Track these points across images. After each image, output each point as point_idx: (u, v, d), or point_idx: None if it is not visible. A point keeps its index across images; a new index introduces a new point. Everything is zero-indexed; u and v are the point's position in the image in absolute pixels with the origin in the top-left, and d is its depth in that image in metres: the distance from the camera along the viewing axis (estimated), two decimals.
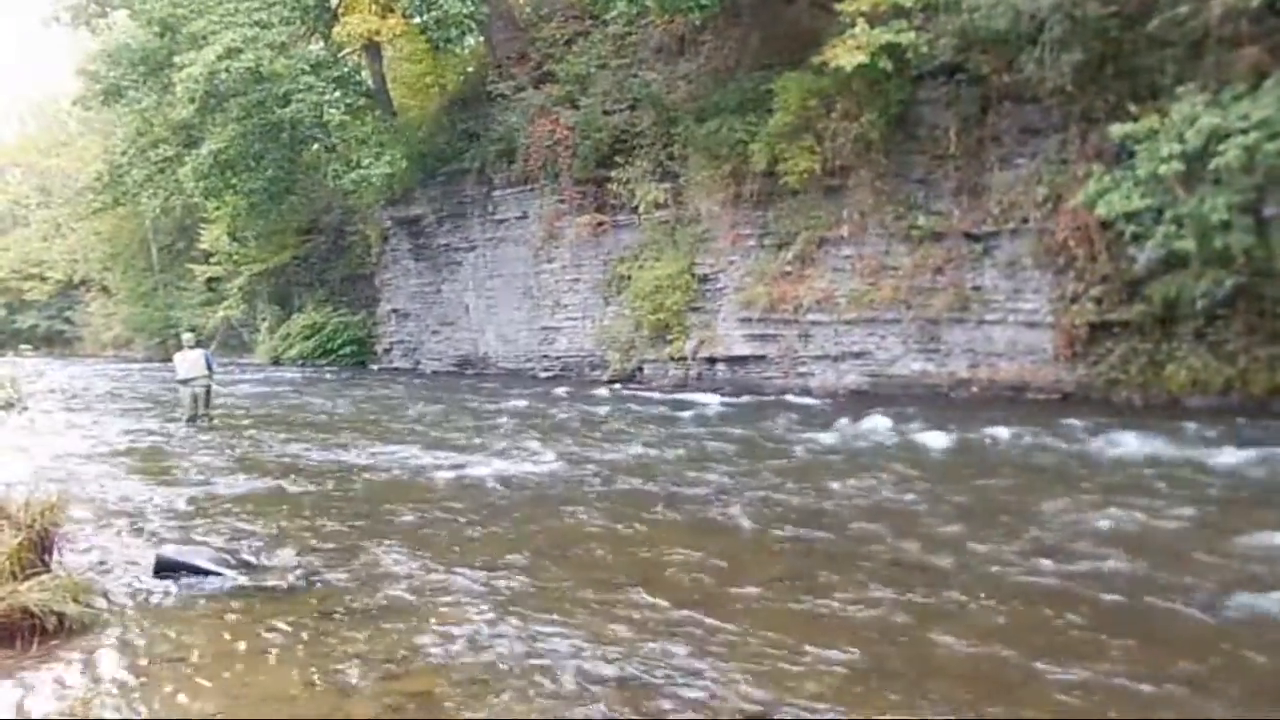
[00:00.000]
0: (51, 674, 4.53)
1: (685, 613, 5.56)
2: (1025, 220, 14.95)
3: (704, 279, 19.62)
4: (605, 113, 21.90)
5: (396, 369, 30.32)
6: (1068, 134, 14.53)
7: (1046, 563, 6.36)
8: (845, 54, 15.01)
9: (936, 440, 11.49)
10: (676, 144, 20.23)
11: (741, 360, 18.80)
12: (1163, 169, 11.55)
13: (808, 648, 4.90)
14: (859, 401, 15.66)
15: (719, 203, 19.25)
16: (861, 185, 16.87)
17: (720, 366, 19.17)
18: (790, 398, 16.69)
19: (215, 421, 15.86)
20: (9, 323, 57.03)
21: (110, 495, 9.58)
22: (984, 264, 15.63)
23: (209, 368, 16.01)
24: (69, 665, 4.65)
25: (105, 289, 51.43)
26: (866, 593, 5.88)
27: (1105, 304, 13.93)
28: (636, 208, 21.17)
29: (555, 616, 5.57)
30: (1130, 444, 10.48)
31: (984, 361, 15.62)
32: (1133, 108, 12.56)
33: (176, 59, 26.07)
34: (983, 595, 5.71)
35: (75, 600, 5.14)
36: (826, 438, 12.29)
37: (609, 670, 4.73)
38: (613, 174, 21.57)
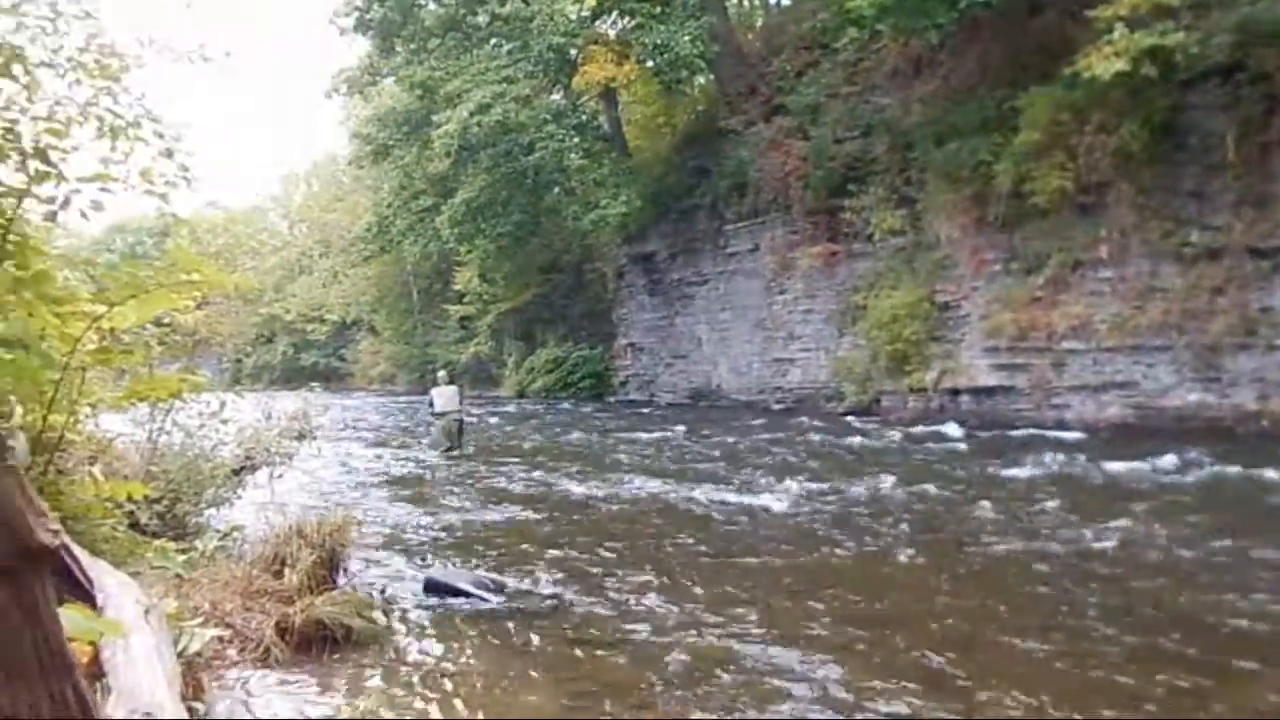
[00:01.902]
0: (342, 681, 4.94)
1: (938, 660, 5.26)
2: None
3: (945, 307, 18.80)
4: (837, 141, 21.65)
5: (632, 401, 31.14)
6: None
7: None
8: (1101, 62, 13.98)
9: (1226, 479, 10.28)
10: (913, 168, 19.64)
11: (988, 391, 17.80)
12: None
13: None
14: (1123, 435, 14.36)
15: (960, 227, 18.43)
16: (1121, 201, 15.58)
17: (964, 398, 18.24)
18: (1043, 431, 15.56)
19: (470, 451, 16.89)
20: (295, 360, 63.93)
21: (381, 519, 10.41)
22: (1274, 282, 13.95)
23: (462, 402, 16.93)
24: (356, 674, 5.06)
25: (373, 329, 56.68)
26: (1141, 656, 5.30)
27: None
28: (871, 235, 20.70)
29: (801, 655, 5.43)
30: None
31: (1277, 393, 13.87)
32: None
33: (434, 118, 28.50)
34: None
35: (360, 615, 5.59)
36: (1088, 474, 11.33)
37: (862, 714, 4.55)
38: (846, 202, 21.24)
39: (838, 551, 8.14)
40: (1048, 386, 16.72)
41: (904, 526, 9.09)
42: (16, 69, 4.57)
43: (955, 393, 18.42)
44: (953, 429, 16.38)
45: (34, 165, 4.35)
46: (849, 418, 19.86)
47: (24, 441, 4.75)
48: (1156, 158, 15.20)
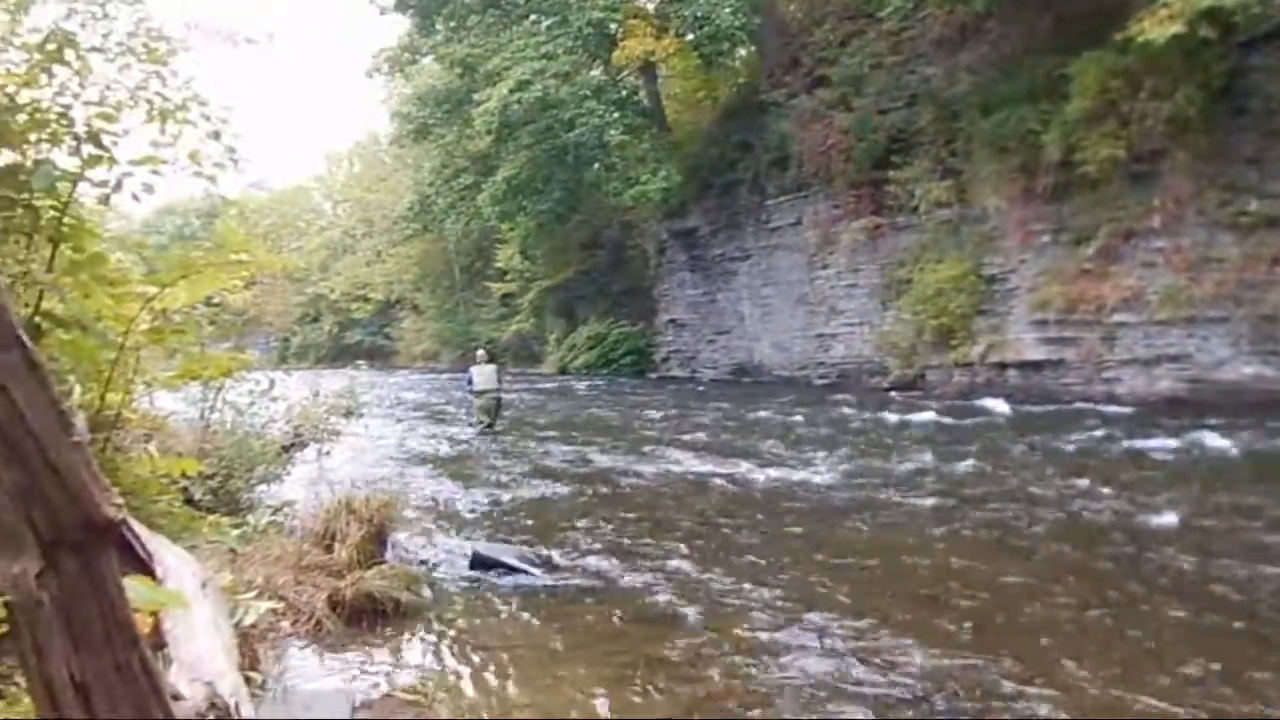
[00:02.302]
0: (392, 653, 5.04)
1: (980, 634, 5.22)
2: None
3: (991, 280, 18.50)
4: (881, 112, 21.32)
5: (674, 377, 31.14)
6: None
7: None
8: (1156, 26, 13.59)
9: None
10: (959, 139, 19.28)
11: (1035, 365, 17.52)
12: None
13: (1114, 690, 4.42)
14: (1176, 409, 14.06)
15: (1007, 198, 18.09)
16: (1176, 170, 15.17)
17: (1011, 372, 17.97)
18: (1093, 405, 15.29)
19: (500, 428, 16.99)
20: (340, 339, 64.81)
21: (426, 494, 10.55)
22: None
23: (499, 381, 17.21)
24: (405, 647, 5.15)
25: (416, 307, 57.22)
26: (1192, 634, 5.21)
27: None
28: (916, 208, 20.39)
29: (840, 629, 5.43)
30: None
31: None
32: None
33: (475, 96, 28.53)
34: None
35: (408, 589, 5.68)
36: (1140, 449, 11.11)
37: (899, 690, 4.54)
38: (890, 175, 20.93)
39: (881, 527, 8.10)
40: (1097, 360, 16.41)
41: (950, 502, 9.01)
42: (69, 54, 4.65)
43: (1002, 367, 18.15)
44: (999, 404, 16.15)
45: (87, 149, 4.44)
46: (893, 393, 19.68)
47: (83, 419, 4.88)
48: (1213, 124, 14.76)
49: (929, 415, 15.46)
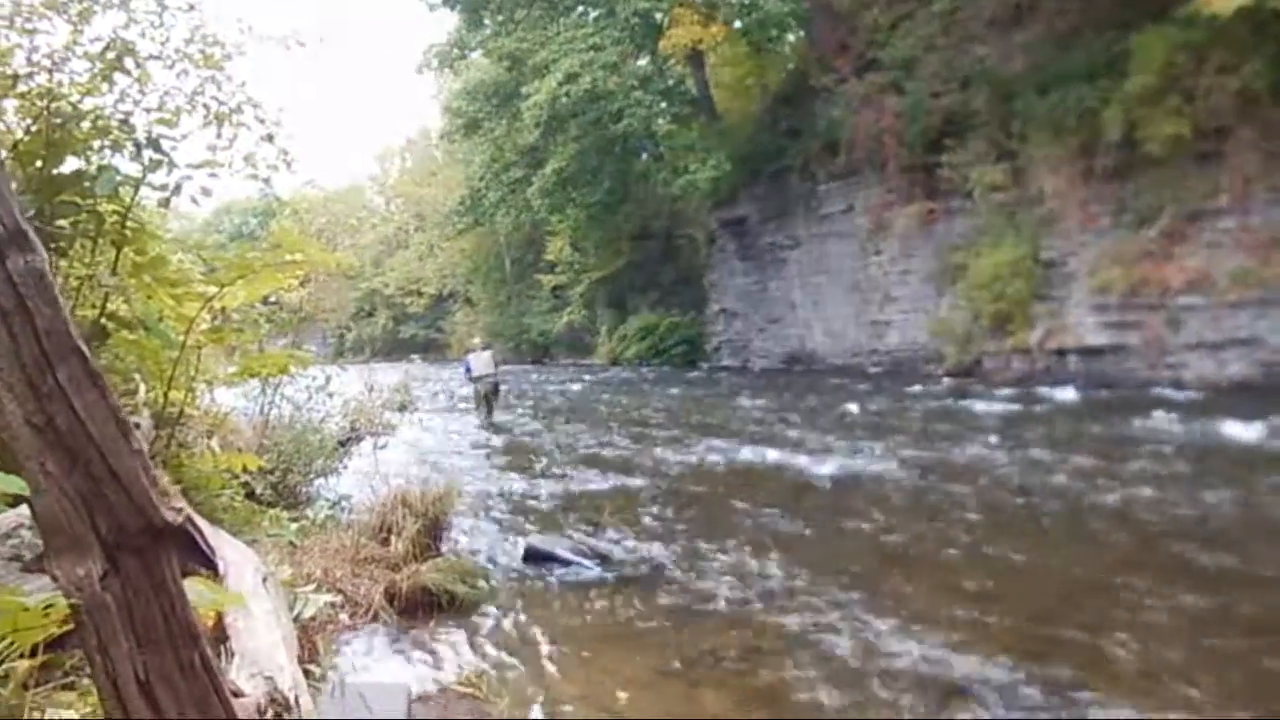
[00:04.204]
0: (448, 646, 5.10)
1: (1041, 627, 5.12)
2: None
3: (1050, 264, 18.10)
4: (933, 95, 20.97)
5: (725, 367, 31.03)
6: None
7: None
8: None
9: None
10: (1015, 121, 18.87)
11: (1096, 351, 17.11)
12: None
13: (1186, 691, 4.29)
14: (1246, 395, 13.62)
15: (1066, 180, 17.67)
16: (1245, 147, 14.68)
17: (1071, 358, 17.58)
18: (1158, 391, 14.89)
19: (497, 418, 17.34)
20: (394, 333, 65.78)
21: (479, 486, 10.65)
22: None
23: (496, 367, 17.80)
24: (461, 639, 5.21)
25: (468, 300, 57.84)
26: (1265, 627, 5.05)
27: None
28: (970, 192, 20.02)
29: (895, 623, 5.36)
30: None
31: None
32: None
33: (523, 89, 28.67)
34: None
35: (463, 581, 5.74)
36: (1207, 435, 10.79)
37: (958, 688, 4.47)
38: (943, 159, 20.58)
39: (941, 518, 7.98)
40: (1162, 344, 15.97)
41: (1010, 492, 8.85)
42: (129, 63, 4.77)
43: (1062, 353, 17.76)
44: (1060, 390, 15.81)
45: (148, 154, 4.55)
46: (949, 380, 19.38)
47: (148, 417, 5.02)
48: None
49: (991, 403, 15.18)
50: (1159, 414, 12.53)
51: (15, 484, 1.38)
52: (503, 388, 18.54)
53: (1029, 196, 18.87)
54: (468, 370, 17.78)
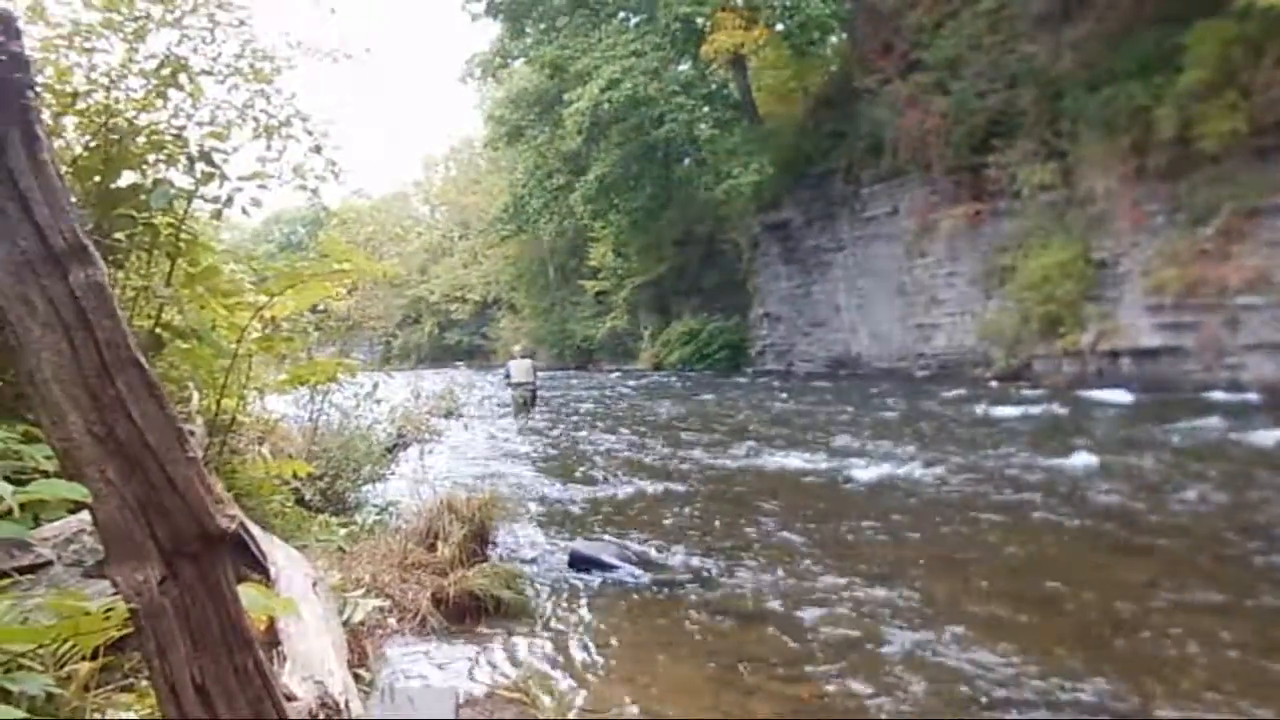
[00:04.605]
0: (496, 651, 5.13)
1: (1099, 636, 5.01)
2: None
3: (1101, 264, 17.76)
4: (979, 95, 20.71)
5: (769, 371, 30.87)
6: None
7: None
8: None
9: None
10: (1064, 119, 18.57)
11: (1151, 353, 16.74)
12: None
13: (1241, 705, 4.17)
14: None
15: (1117, 178, 17.33)
16: None
17: (1124, 360, 17.22)
18: (1216, 394, 14.52)
19: (534, 421, 18.06)
20: (440, 340, 66.50)
21: (525, 492, 10.69)
22: None
23: (534, 375, 18.88)
24: (507, 645, 5.24)
25: (513, 306, 58.29)
26: None
27: None
28: (1018, 192, 19.73)
29: (945, 632, 5.28)
30: None
31: None
32: None
33: (565, 96, 28.86)
34: None
35: (509, 587, 5.78)
36: (1269, 439, 10.49)
37: (1005, 691, 4.39)
38: (990, 159, 20.32)
39: (990, 525, 7.85)
40: (1219, 346, 15.58)
41: (1063, 498, 8.68)
42: (182, 79, 4.89)
43: (1114, 355, 17.40)
44: (1114, 393, 15.49)
45: (200, 168, 4.66)
46: (998, 383, 19.09)
47: (202, 424, 5.13)
48: None
49: (1039, 407, 14.91)
50: (1215, 419, 12.22)
51: (78, 491, 1.42)
52: (542, 393, 19.55)
53: (1079, 196, 18.54)
54: (507, 375, 18.84)
